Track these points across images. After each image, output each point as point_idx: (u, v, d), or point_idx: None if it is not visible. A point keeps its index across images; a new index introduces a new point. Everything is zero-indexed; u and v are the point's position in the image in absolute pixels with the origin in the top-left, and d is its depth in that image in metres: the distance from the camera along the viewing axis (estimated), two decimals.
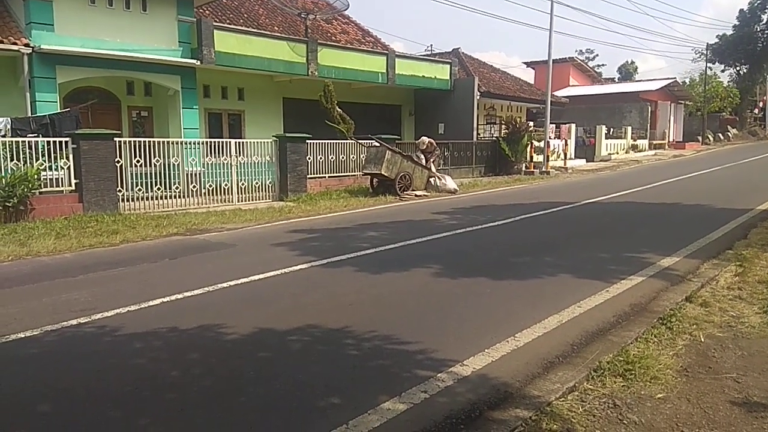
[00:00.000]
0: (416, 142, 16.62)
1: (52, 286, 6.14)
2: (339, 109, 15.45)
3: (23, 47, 12.31)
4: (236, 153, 13.27)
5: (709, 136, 43.28)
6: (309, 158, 14.76)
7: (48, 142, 10.64)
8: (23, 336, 4.53)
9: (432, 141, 16.21)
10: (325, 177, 15.34)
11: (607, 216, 11.05)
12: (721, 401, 3.27)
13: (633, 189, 15.37)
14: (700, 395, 3.35)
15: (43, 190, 10.55)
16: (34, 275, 6.64)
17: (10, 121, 11.06)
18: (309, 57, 17.21)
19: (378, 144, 14.94)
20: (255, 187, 13.70)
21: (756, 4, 45.60)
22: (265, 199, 13.81)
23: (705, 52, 45.64)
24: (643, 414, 3.15)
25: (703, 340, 4.20)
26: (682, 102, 42.58)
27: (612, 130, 31.59)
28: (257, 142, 14.00)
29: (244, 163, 13.49)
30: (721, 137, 44.96)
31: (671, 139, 39.40)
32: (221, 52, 15.22)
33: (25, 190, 10.02)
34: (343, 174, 15.81)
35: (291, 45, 16.95)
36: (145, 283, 6.26)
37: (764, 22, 45.73)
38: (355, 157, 16.03)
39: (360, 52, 19.54)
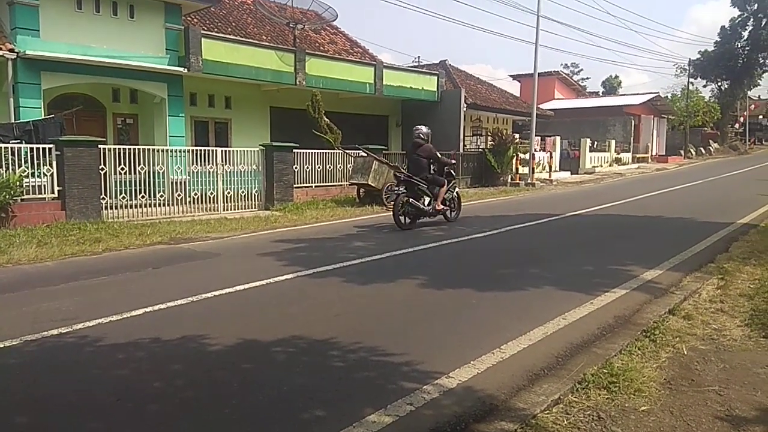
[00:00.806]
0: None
1: (32, 294, 6.05)
2: (326, 119, 15.47)
3: (7, 52, 12.18)
4: (222, 162, 13.21)
5: (692, 150, 43.99)
6: (296, 167, 14.74)
7: (31, 148, 10.51)
8: (2, 345, 4.44)
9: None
10: (311, 186, 15.32)
11: (591, 228, 11.15)
12: (704, 414, 3.30)
13: (617, 202, 15.53)
14: (683, 408, 3.38)
15: (25, 197, 10.41)
16: (14, 284, 6.53)
17: None
18: (297, 66, 17.24)
19: (365, 154, 14.97)
20: (241, 196, 13.64)
21: (737, 21, 46.66)
22: (251, 208, 13.75)
23: (687, 67, 46.47)
24: (627, 427, 3.16)
25: (686, 352, 4.24)
26: (665, 116, 43.29)
27: (596, 143, 31.97)
28: (244, 151, 13.96)
29: (230, 172, 13.42)
30: (703, 151, 45.73)
31: (654, 153, 39.99)
32: (209, 60, 15.19)
33: (7, 197, 9.88)
34: (329, 184, 15.80)
35: (279, 54, 16.97)
36: (127, 293, 6.18)
37: (745, 38, 46.78)
38: (342, 167, 16.04)
39: (348, 62, 19.62)
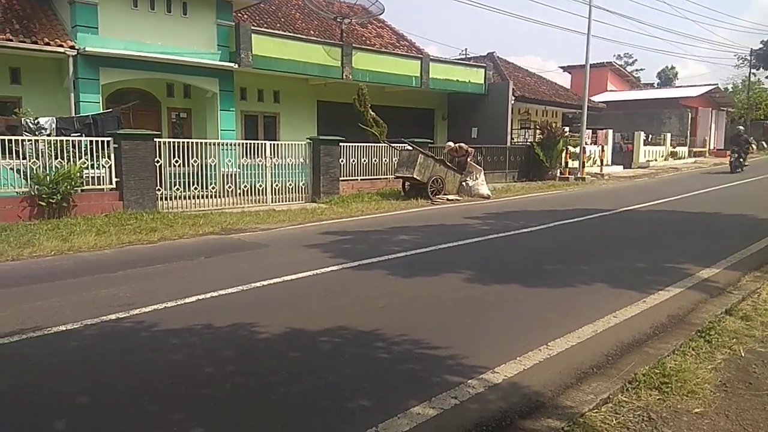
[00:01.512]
0: (444, 150, 16.41)
1: (92, 281, 6.33)
2: (372, 113, 15.52)
3: (69, 49, 12.73)
4: (271, 155, 13.46)
5: (753, 143, 41.92)
6: (342, 161, 14.86)
7: (90, 141, 10.98)
8: (64, 329, 4.68)
9: (461, 145, 16.07)
10: (357, 180, 15.42)
11: (644, 224, 10.81)
12: (762, 419, 3.17)
13: (672, 197, 15.00)
14: (739, 411, 3.25)
15: (85, 187, 10.89)
16: (75, 270, 6.86)
17: (55, 120, 11.44)
18: (344, 60, 17.35)
19: (411, 148, 14.96)
20: (288, 188, 13.86)
21: None
22: (298, 200, 13.96)
23: (749, 57, 44.31)
24: (678, 429, 3.07)
25: (743, 354, 4.08)
26: (724, 109, 41.42)
27: (651, 136, 30.92)
28: (291, 144, 14.18)
29: (278, 165, 13.67)
30: (765, 145, 43.50)
31: (712, 147, 38.34)
32: (258, 55, 15.46)
33: (68, 187, 10.36)
34: (375, 177, 15.88)
35: (326, 49, 17.11)
36: (181, 281, 6.39)
37: None
38: (387, 160, 16.08)
39: (394, 55, 19.60)
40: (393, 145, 15.65)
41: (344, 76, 17.38)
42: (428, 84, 19.80)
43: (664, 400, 3.37)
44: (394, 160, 15.81)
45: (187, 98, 16.22)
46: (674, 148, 32.74)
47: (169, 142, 11.98)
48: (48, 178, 10.23)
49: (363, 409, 3.32)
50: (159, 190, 11.66)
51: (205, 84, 15.08)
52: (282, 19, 19.60)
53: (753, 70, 45.52)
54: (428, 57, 20.62)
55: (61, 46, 12.68)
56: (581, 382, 3.64)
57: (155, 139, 11.67)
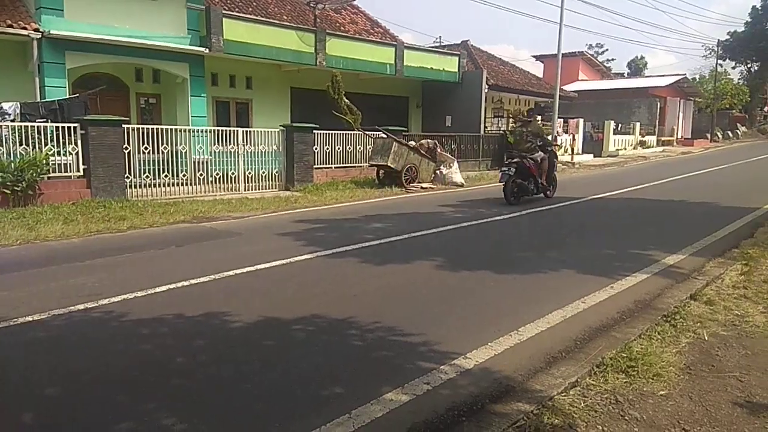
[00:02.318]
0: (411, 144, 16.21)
1: (59, 270, 6.20)
2: (346, 100, 15.40)
3: (33, 32, 12.31)
4: (244, 142, 13.29)
5: (718, 133, 42.99)
6: (316, 148, 14.76)
7: (57, 127, 10.68)
8: (30, 320, 4.57)
9: (423, 142, 16.00)
10: (331, 167, 15.35)
11: (612, 212, 11.02)
12: (724, 400, 3.28)
13: (640, 185, 15.29)
14: (702, 393, 3.36)
15: (52, 175, 10.60)
16: (41, 259, 6.69)
17: (19, 105, 11.10)
18: (317, 47, 17.17)
19: (385, 135, 14.93)
20: (262, 176, 13.73)
21: None
22: (272, 188, 13.84)
23: (716, 48, 45.24)
24: (644, 410, 3.16)
25: (707, 338, 4.20)
26: (692, 99, 42.31)
27: (620, 125, 31.42)
28: (265, 132, 14.02)
29: (251, 152, 13.51)
30: (731, 135, 44.67)
31: (680, 136, 39.19)
32: (230, 40, 15.19)
33: (34, 174, 10.07)
34: (349, 165, 15.81)
35: (299, 34, 16.90)
36: (151, 270, 6.30)
37: None
38: (361, 148, 16.02)
39: (368, 42, 19.46)
40: (367, 132, 15.60)
41: (318, 63, 17.21)
42: (402, 72, 19.73)
43: (630, 383, 3.46)
44: (368, 148, 15.76)
45: (156, 83, 15.86)
46: (643, 137, 33.36)
47: (139, 129, 11.72)
48: (12, 165, 9.93)
49: (337, 397, 3.34)
50: (128, 177, 11.42)
51: (175, 69, 14.76)
52: (254, 3, 19.25)
53: (720, 61, 46.52)
54: (402, 44, 20.52)
55: (25, 28, 12.25)
56: (550, 367, 3.71)
57: (124, 125, 11.39)
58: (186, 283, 5.61)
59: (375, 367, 3.75)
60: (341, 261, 6.69)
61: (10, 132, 10.18)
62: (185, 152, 12.45)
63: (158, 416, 3.11)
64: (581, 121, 27.43)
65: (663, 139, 36.09)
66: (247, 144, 13.40)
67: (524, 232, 8.89)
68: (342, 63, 17.69)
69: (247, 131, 13.66)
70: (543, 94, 25.81)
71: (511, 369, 3.67)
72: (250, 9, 18.40)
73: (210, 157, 13.08)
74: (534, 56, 41.85)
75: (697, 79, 47.88)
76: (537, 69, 38.87)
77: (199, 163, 12.85)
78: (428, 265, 6.47)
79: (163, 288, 5.44)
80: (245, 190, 13.25)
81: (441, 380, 3.50)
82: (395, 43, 20.54)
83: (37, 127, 10.50)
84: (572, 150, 24.02)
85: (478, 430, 2.96)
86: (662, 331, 4.29)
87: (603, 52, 65.07)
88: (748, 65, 48.90)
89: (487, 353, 3.91)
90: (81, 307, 4.88)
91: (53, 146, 10.58)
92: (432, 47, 25.17)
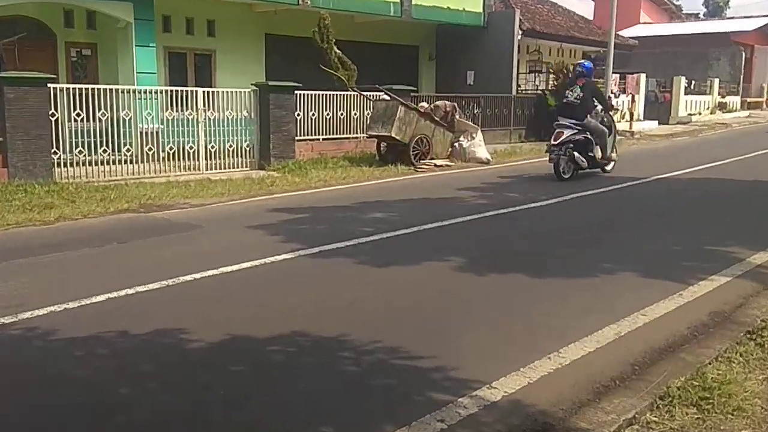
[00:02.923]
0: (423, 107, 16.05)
1: None
2: (338, 51, 15.33)
3: None
4: (204, 106, 13.27)
5: None
6: (298, 114, 14.74)
7: None
8: None
9: (438, 104, 15.96)
10: (318, 140, 15.34)
11: (682, 197, 11.02)
12: None
13: (718, 162, 15.27)
14: None
15: None
16: None
17: None
18: None
19: (388, 97, 14.89)
20: (228, 151, 13.72)
21: None
22: (241, 167, 13.85)
23: None
24: None
25: None
26: None
27: (693, 83, 31.29)
28: (232, 93, 13.98)
29: (214, 120, 13.49)
30: None
31: None
32: None
33: None
34: (342, 136, 15.81)
35: None
36: (86, 274, 6.33)
37: None
38: (357, 114, 16.00)
39: None
40: (365, 93, 15.55)
41: (301, 2, 17.13)
42: (411, 12, 19.62)
43: (703, 420, 3.47)
44: (366, 113, 15.73)
45: (91, 30, 15.81)
46: (723, 98, 33.23)
47: (69, 89, 11.70)
48: None
49: None
50: (56, 153, 11.43)
51: (114, 11, 14.67)
52: None
53: None
54: None
55: None
56: (600, 399, 3.72)
57: (50, 85, 11.38)
58: (131, 291, 5.62)
59: (374, 399, 3.77)
60: (330, 262, 6.70)
61: None
62: (129, 120, 12.44)
63: None
64: (643, 77, 27.31)
65: (749, 100, 35.98)
66: (209, 109, 13.38)
67: (568, 223, 8.89)
68: (332, 2, 17.60)
69: (208, 92, 13.63)
70: (593, 42, 25.67)
71: (550, 402, 3.68)
72: None
73: (161, 127, 13.06)
74: None
75: None
76: (586, 9, 38.69)
77: (147, 134, 12.83)
78: (443, 266, 6.48)
79: (102, 297, 5.45)
80: (207, 170, 13.26)
81: (459, 416, 3.51)
82: None
83: None
84: (631, 115, 23.97)
85: None
86: (746, 353, 4.29)
87: None
88: None
89: (519, 381, 3.92)
90: None
91: None
92: None
